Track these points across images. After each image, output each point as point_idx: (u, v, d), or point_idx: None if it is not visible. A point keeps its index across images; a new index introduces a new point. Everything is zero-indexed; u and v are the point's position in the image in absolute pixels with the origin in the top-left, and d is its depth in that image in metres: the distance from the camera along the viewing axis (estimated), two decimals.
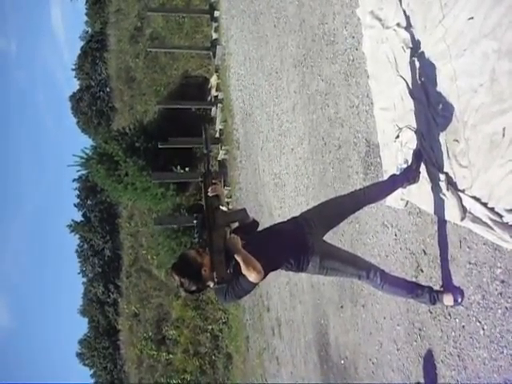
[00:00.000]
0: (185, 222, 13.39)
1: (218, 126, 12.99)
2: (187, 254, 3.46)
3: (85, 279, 26.67)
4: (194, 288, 3.39)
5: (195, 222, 3.09)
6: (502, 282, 3.30)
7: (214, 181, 3.51)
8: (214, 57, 13.27)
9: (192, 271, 3.34)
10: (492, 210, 3.36)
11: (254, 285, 3.41)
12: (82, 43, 26.13)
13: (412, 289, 3.78)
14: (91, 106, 25.07)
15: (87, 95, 25.47)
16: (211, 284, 3.42)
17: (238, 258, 3.27)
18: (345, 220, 4.45)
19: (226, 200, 10.74)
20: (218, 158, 12.77)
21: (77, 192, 25.78)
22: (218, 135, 12.99)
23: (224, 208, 3.54)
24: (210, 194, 3.44)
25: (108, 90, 24.03)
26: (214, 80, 13.71)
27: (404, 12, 4.37)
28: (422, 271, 4.20)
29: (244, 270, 3.28)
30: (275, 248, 3.52)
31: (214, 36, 13.30)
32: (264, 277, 3.35)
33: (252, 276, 3.29)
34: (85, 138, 26.33)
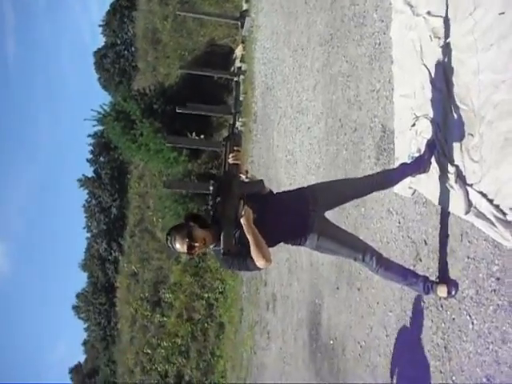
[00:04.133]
0: (194, 188, 13.46)
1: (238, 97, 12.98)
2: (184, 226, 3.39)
3: (89, 234, 26.98)
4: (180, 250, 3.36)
5: (211, 188, 3.09)
6: (498, 279, 3.32)
7: (235, 148, 3.38)
8: (242, 27, 13.20)
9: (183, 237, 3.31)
10: (497, 207, 3.37)
11: (260, 269, 3.43)
12: (111, 0, 26.02)
13: (407, 276, 3.80)
14: (114, 63, 25.07)
15: (111, 53, 25.47)
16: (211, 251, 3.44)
17: (249, 237, 3.25)
18: (350, 202, 4.48)
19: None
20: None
21: (90, 148, 25.90)
22: (239, 106, 12.98)
23: (243, 176, 3.47)
24: (230, 162, 3.35)
25: (133, 49, 24.01)
26: (239, 51, 13.65)
27: (436, 1, 4.32)
28: (420, 260, 4.22)
29: (253, 254, 3.27)
30: (277, 222, 3.50)
31: (245, 7, 13.22)
32: (270, 261, 3.33)
33: (260, 263, 3.28)
34: (104, 94, 26.37)
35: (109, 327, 24.16)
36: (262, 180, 3.61)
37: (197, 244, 3.30)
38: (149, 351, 15.88)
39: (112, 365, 22.67)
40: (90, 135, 25.21)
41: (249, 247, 3.27)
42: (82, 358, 29.36)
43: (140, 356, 16.47)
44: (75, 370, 28.89)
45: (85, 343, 28.62)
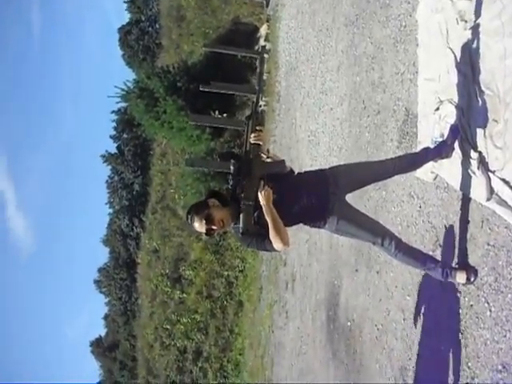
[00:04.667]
0: (216, 166, 13.48)
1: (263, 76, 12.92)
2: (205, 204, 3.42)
3: (111, 210, 27.26)
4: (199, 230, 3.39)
5: (232, 167, 3.09)
6: None
7: (258, 127, 3.36)
8: (267, 6, 13.11)
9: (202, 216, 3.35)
10: None
11: (277, 251, 3.45)
12: None
13: (426, 261, 3.79)
14: (139, 40, 25.09)
15: (136, 29, 25.49)
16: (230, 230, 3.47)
17: (268, 219, 3.26)
18: (371, 185, 4.47)
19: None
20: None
21: (114, 124, 26.06)
22: (262, 85, 12.92)
23: (264, 156, 3.47)
24: (251, 141, 3.35)
25: (157, 26, 23.97)
26: (263, 30, 13.57)
27: None
28: (440, 246, 4.21)
29: (272, 236, 3.29)
30: (297, 202, 3.52)
31: None
32: (288, 244, 3.36)
33: (277, 245, 3.31)
34: (128, 71, 26.43)
35: (129, 302, 24.50)
36: (283, 160, 3.61)
37: (214, 226, 3.34)
38: (168, 327, 16.07)
39: (132, 339, 23.02)
40: (113, 111, 25.37)
41: (267, 228, 3.29)
42: (102, 331, 29.89)
43: (159, 331, 16.68)
44: (96, 344, 29.41)
45: (106, 317, 29.09)
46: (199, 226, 3.36)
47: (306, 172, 3.92)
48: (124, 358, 24.82)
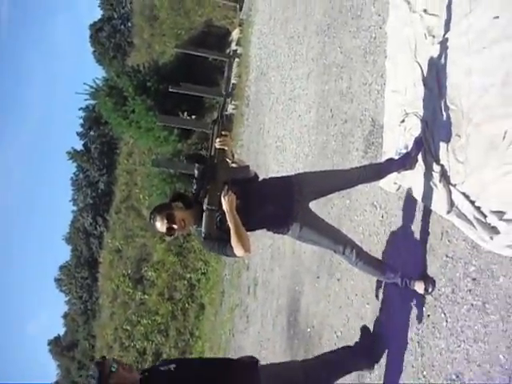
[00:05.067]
0: (183, 168, 13.46)
1: (232, 80, 12.94)
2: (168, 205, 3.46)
3: (75, 208, 26.91)
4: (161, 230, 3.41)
5: (196, 171, 3.07)
6: (474, 279, 3.38)
7: (223, 132, 3.35)
8: (240, 10, 13.16)
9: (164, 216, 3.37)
10: (478, 208, 3.42)
11: (238, 257, 3.47)
12: None
13: (386, 270, 3.85)
14: (110, 38, 24.90)
15: (108, 26, 25.27)
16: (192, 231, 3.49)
17: (230, 224, 3.27)
18: (335, 193, 4.51)
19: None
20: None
21: (81, 121, 25.76)
22: (230, 89, 12.95)
23: (229, 161, 3.45)
24: (217, 146, 3.32)
25: (129, 24, 23.81)
26: (235, 34, 13.60)
27: None
28: (400, 256, 4.27)
29: (233, 242, 3.30)
30: (260, 208, 3.54)
31: None
32: (249, 251, 3.38)
33: (239, 252, 3.33)
34: (98, 68, 26.19)
35: (90, 301, 24.22)
36: (248, 165, 3.62)
37: (175, 226, 3.34)
38: (128, 328, 15.93)
39: (91, 339, 22.74)
40: (81, 108, 25.10)
41: (229, 234, 3.31)
42: (61, 330, 29.47)
43: (119, 332, 16.52)
44: (54, 342, 28.99)
45: (65, 316, 28.67)
46: (160, 225, 3.37)
47: (271, 178, 3.94)
48: (82, 358, 24.52)
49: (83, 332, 24.70)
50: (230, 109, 12.52)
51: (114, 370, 3.30)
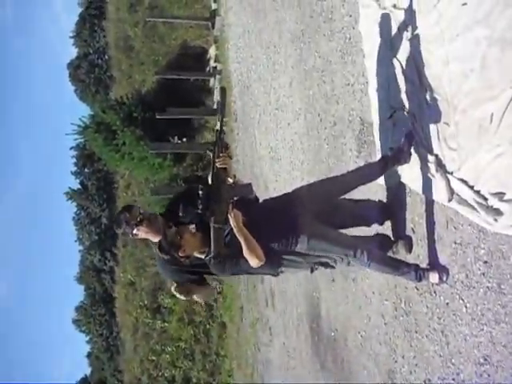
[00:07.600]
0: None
1: (216, 97, 13.00)
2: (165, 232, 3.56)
3: (81, 247, 26.95)
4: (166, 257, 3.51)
5: (200, 193, 3.15)
6: (485, 262, 3.42)
7: (222, 154, 3.48)
8: (213, 28, 13.20)
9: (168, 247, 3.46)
10: (478, 192, 3.47)
11: (253, 269, 3.54)
12: (80, 10, 25.94)
13: (398, 266, 3.90)
14: (89, 73, 25.02)
15: (85, 63, 25.42)
16: (203, 256, 3.55)
17: (240, 239, 3.36)
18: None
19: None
20: (216, 128, 12.82)
21: (74, 160, 25.84)
22: (215, 106, 13.01)
23: (230, 180, 3.56)
24: (218, 166, 3.45)
25: (106, 58, 23.94)
26: (212, 51, 13.66)
27: None
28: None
29: (246, 254, 3.39)
30: (265, 227, 3.59)
31: (214, 6, 13.20)
32: (264, 262, 3.45)
33: (253, 262, 3.41)
34: (83, 105, 26.31)
35: (111, 337, 24.17)
36: (250, 184, 3.73)
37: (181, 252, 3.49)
38: (154, 358, 15.92)
39: (118, 374, 22.70)
40: (72, 147, 25.16)
41: (240, 248, 3.38)
42: (87, 370, 29.39)
43: (145, 363, 16.52)
44: (82, 383, 28.90)
45: (89, 355, 28.62)
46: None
47: (271, 198, 4.05)
48: None
49: (109, 369, 24.63)
50: (218, 125, 12.53)
51: None
